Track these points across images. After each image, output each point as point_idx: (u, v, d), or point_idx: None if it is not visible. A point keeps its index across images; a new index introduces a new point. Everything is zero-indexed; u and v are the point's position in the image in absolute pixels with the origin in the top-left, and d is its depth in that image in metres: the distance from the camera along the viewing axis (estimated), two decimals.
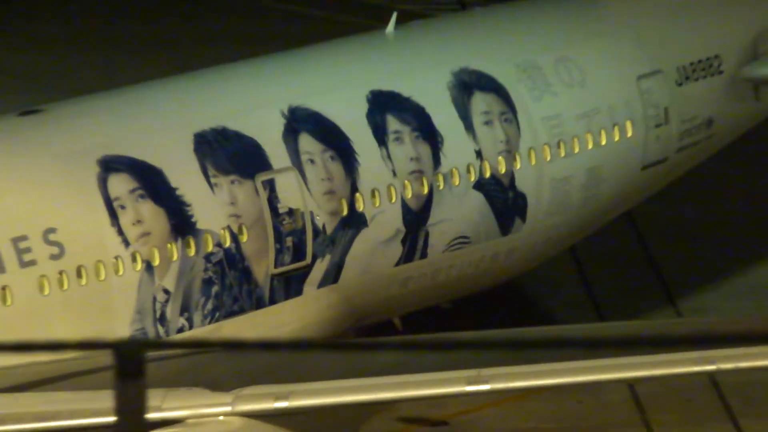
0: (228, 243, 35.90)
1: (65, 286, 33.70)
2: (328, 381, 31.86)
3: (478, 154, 39.52)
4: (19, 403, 31.82)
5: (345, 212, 37.57)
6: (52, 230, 33.95)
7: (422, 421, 37.01)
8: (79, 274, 33.84)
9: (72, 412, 30.93)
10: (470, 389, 33.67)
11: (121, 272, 34.52)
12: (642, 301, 43.78)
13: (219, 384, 31.13)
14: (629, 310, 43.02)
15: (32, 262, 33.42)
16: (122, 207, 34.82)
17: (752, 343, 33.91)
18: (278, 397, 31.23)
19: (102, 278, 34.23)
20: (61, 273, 33.74)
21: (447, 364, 33.12)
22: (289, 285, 36.87)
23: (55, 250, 33.77)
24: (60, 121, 37.58)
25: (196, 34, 61.56)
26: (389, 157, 38.42)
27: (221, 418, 30.95)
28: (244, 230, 36.10)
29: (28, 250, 33.51)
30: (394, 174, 38.34)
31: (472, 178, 39.46)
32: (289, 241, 36.79)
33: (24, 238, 33.59)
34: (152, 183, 35.45)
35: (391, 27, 42.43)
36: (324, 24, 55.57)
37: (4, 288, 32.97)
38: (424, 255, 38.90)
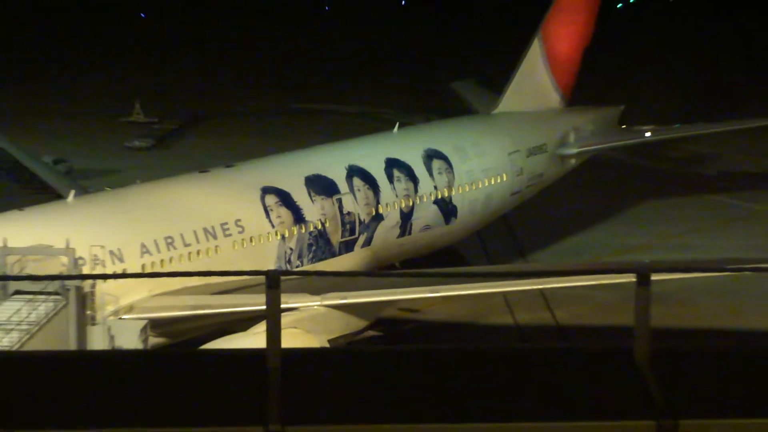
0: (320, 227, 35.75)
1: (244, 246, 33.49)
2: (365, 291, 31.82)
3: (435, 187, 39.40)
4: (219, 299, 31.67)
5: (374, 213, 37.41)
6: (239, 219, 33.71)
7: (408, 310, 36.57)
8: (251, 240, 33.64)
9: (244, 303, 30.86)
10: (430, 295, 33.48)
11: (270, 240, 34.37)
12: (508, 254, 43.57)
13: (314, 291, 30.92)
14: (503, 260, 42.85)
15: (230, 234, 33.14)
16: (271, 210, 34.68)
17: (559, 275, 33.93)
18: (342, 298, 31.14)
19: (262, 242, 34.04)
20: (242, 240, 33.57)
21: (420, 282, 33.06)
22: (348, 246, 36.69)
23: (240, 229, 33.54)
24: (244, 170, 37.40)
25: (291, 128, 60.81)
26: (394, 188, 38.29)
27: (315, 307, 30.89)
28: (327, 221, 35.96)
29: (227, 228, 33.34)
30: (396, 196, 38.21)
31: (432, 198, 39.34)
32: (348, 226, 36.63)
33: (226, 223, 33.42)
34: (285, 199, 35.32)
35: (395, 129, 42.35)
36: (362, 126, 55.12)
37: (216, 246, 32.81)
38: (410, 234, 38.72)
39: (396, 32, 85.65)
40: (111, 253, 30.74)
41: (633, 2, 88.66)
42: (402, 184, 38.93)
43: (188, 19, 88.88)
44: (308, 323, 30.55)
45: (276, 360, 9.73)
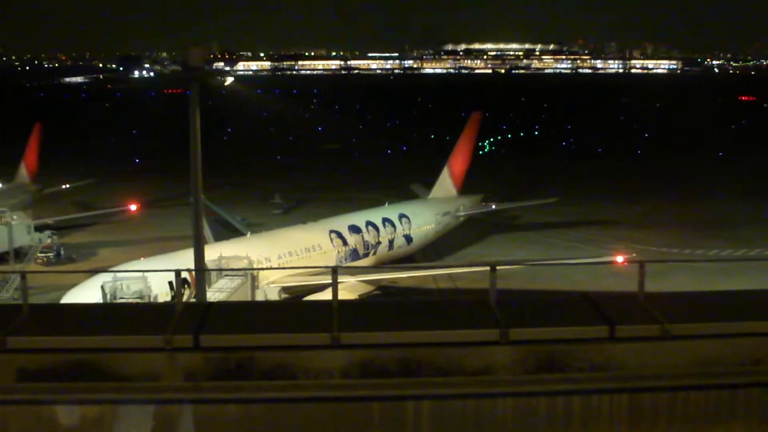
0: (354, 247, 35.40)
1: (319, 255, 33.20)
2: (374, 274, 31.44)
3: (403, 229, 39.10)
4: (312, 278, 30.65)
5: (377, 242, 37.11)
6: (320, 244, 33.31)
7: (392, 281, 35.59)
8: (325, 254, 33.28)
9: (322, 280, 29.78)
10: (402, 275, 33.19)
11: (333, 254, 34.01)
12: (433, 258, 42.66)
13: (352, 274, 30.57)
14: (431, 260, 42.16)
15: (316, 251, 32.75)
16: (333, 240, 34.43)
17: (456, 267, 33.65)
18: (364, 277, 30.63)
19: (329, 254, 33.69)
20: (321, 253, 33.13)
21: (397, 270, 32.84)
22: (366, 255, 36.19)
23: (320, 248, 33.30)
24: (321, 223, 36.85)
25: (345, 204, 59.20)
26: (386, 230, 38.01)
27: (352, 281, 30.61)
28: (357, 245, 35.55)
29: (315, 248, 32.91)
30: (386, 233, 37.92)
31: (402, 234, 39.04)
32: (366, 247, 36.39)
33: (314, 246, 32.92)
34: (339, 235, 34.99)
35: (387, 204, 41.94)
36: (373, 203, 54.09)
37: (310, 256, 32.32)
38: (392, 250, 38.35)
39: (385, 162, 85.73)
40: (266, 258, 30.86)
41: (493, 149, 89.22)
42: (389, 228, 38.71)
43: (291, 157, 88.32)
44: (349, 288, 30.30)
45: (336, 304, 9.75)
